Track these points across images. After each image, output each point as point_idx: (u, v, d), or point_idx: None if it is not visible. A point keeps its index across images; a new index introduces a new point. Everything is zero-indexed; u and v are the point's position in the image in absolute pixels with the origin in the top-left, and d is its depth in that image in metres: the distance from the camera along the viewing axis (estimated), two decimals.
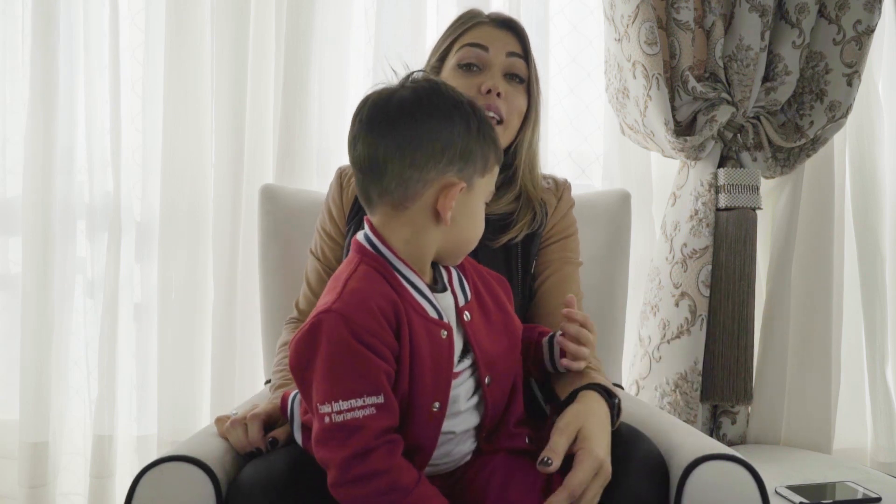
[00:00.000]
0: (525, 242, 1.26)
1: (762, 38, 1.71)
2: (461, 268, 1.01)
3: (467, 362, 0.96)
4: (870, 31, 1.72)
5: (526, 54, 1.25)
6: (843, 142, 1.89)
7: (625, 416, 1.16)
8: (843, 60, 1.73)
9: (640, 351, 1.83)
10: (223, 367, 1.83)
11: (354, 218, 1.30)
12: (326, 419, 0.86)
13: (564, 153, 1.98)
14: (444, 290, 0.96)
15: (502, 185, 1.28)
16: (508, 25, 1.26)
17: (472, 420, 0.98)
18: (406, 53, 1.84)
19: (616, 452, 0.99)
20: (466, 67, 1.22)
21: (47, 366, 1.82)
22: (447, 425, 0.94)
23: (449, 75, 1.24)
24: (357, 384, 0.85)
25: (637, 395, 1.81)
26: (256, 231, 1.59)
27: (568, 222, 1.32)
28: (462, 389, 0.95)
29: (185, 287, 1.85)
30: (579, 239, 1.34)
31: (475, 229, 0.96)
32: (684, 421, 1.50)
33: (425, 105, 0.90)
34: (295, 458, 1.00)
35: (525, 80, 1.25)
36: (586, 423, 0.95)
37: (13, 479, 1.85)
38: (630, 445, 1.01)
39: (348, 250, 1.24)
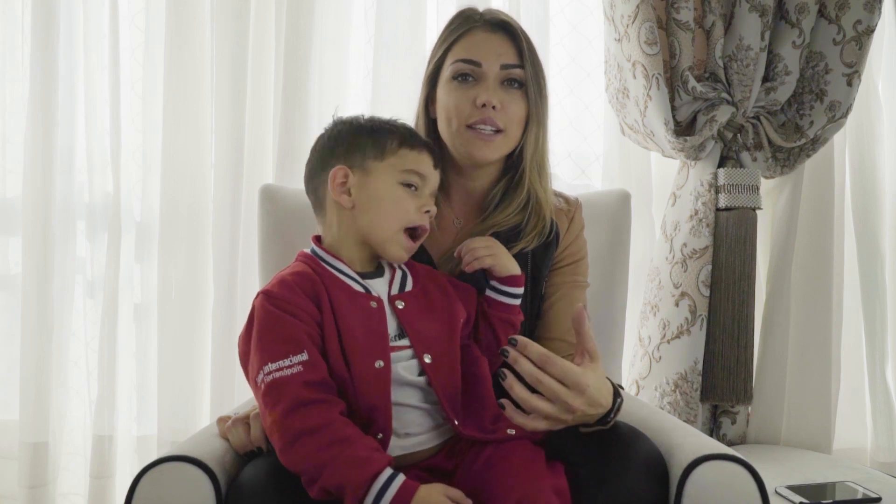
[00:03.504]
0: (535, 255, 1.24)
1: (762, 38, 1.71)
2: (412, 271, 1.12)
3: (405, 342, 1.03)
4: (870, 31, 1.72)
5: (522, 60, 1.21)
6: (843, 142, 1.89)
7: (625, 416, 1.16)
8: (843, 60, 1.73)
9: (640, 351, 1.83)
10: (223, 367, 1.83)
11: None
12: (262, 385, 0.96)
13: (564, 153, 1.98)
14: (379, 276, 1.08)
15: (509, 189, 1.26)
16: (503, 28, 1.22)
17: (427, 396, 1.03)
18: (406, 53, 1.84)
19: (616, 452, 0.99)
20: (462, 78, 1.20)
21: (47, 366, 1.82)
22: (400, 395, 1.00)
23: (445, 89, 1.22)
24: (283, 347, 0.96)
25: (637, 395, 1.81)
26: (256, 231, 1.59)
27: (579, 245, 1.31)
28: (409, 365, 1.02)
29: (185, 287, 1.85)
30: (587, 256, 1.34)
31: (384, 212, 1.06)
32: (684, 421, 1.49)
33: (323, 133, 1.13)
34: None
35: (523, 84, 1.21)
36: (590, 374, 0.97)
37: (13, 479, 1.85)
38: (630, 445, 1.01)
39: None
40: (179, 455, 1.00)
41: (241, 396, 1.74)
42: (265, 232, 1.55)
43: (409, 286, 1.09)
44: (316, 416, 0.93)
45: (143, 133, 1.88)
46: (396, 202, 1.05)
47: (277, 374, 0.95)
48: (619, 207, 1.59)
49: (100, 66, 1.86)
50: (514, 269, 1.15)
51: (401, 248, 1.06)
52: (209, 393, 1.86)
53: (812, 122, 1.75)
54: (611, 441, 1.01)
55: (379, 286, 1.06)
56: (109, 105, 1.84)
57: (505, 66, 1.20)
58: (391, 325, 1.04)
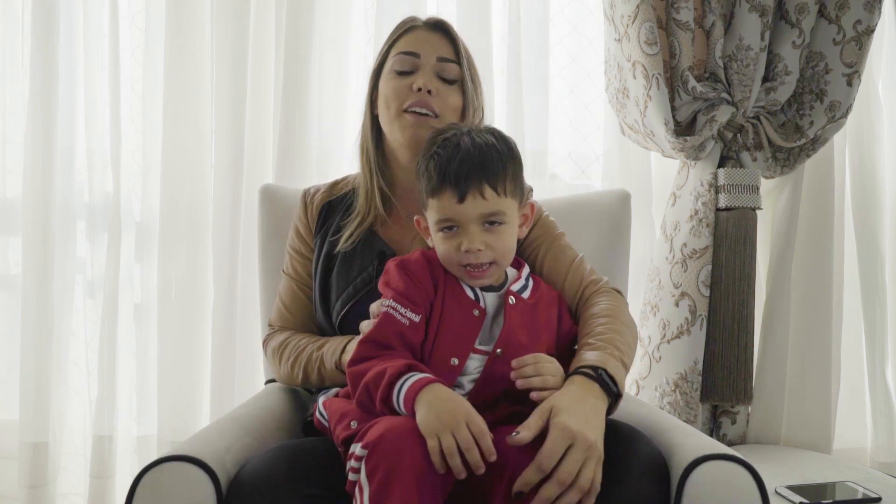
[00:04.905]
0: None
1: (762, 38, 1.71)
2: (537, 286, 1.16)
3: (489, 347, 1.07)
4: (870, 31, 1.72)
5: (458, 57, 1.29)
6: (843, 142, 1.89)
7: (624, 416, 1.16)
8: (843, 60, 1.73)
9: (640, 351, 1.83)
10: (223, 367, 1.83)
11: (320, 231, 1.35)
12: (382, 308, 1.07)
13: (564, 153, 1.98)
14: (497, 290, 1.12)
15: None
16: (440, 28, 1.31)
17: (470, 384, 1.07)
18: None
19: (616, 452, 0.99)
20: (401, 73, 1.28)
21: (47, 366, 1.82)
22: (460, 378, 1.06)
23: (385, 80, 1.29)
24: (408, 301, 1.06)
25: (637, 395, 1.81)
26: (256, 231, 1.59)
27: (543, 229, 1.30)
28: (478, 363, 1.08)
29: (185, 287, 1.85)
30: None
31: (440, 256, 1.11)
32: (684, 421, 1.49)
33: None
34: (294, 459, 1.01)
35: (458, 80, 1.29)
36: (559, 400, 0.97)
37: (13, 479, 1.85)
38: (630, 445, 1.01)
39: (317, 263, 1.31)
40: (179, 455, 1.00)
41: (242, 396, 1.74)
42: (265, 232, 1.56)
43: (526, 294, 1.13)
44: (384, 358, 1.02)
45: (143, 133, 1.88)
46: (441, 249, 1.10)
47: (392, 312, 1.05)
48: (619, 207, 1.59)
49: (100, 66, 1.86)
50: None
51: (470, 281, 1.10)
52: (209, 393, 1.86)
53: (812, 122, 1.75)
54: (611, 442, 1.01)
55: (490, 299, 1.10)
56: (109, 105, 1.84)
57: (441, 59, 1.28)
58: (487, 327, 1.09)
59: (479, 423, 0.93)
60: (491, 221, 1.07)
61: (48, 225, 1.82)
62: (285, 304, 1.37)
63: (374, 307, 1.13)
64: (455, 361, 1.05)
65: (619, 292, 1.24)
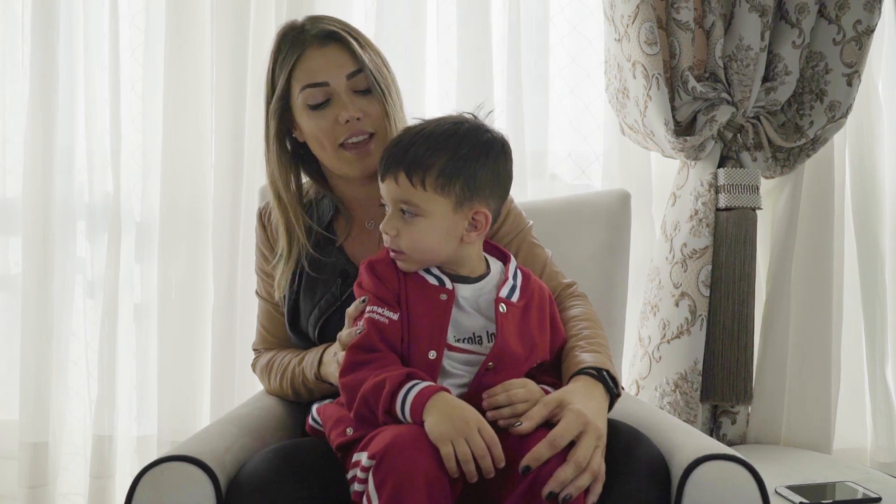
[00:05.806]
0: None
1: (762, 38, 1.71)
2: (526, 285, 1.11)
3: (479, 347, 1.05)
4: (870, 31, 1.72)
5: (358, 60, 1.20)
6: (843, 142, 1.89)
7: (625, 416, 1.16)
8: (843, 60, 1.73)
9: (640, 351, 1.83)
10: (223, 367, 1.83)
11: None
12: (366, 315, 1.05)
13: (564, 153, 1.98)
14: (472, 282, 1.08)
15: None
16: (332, 37, 1.21)
17: (461, 390, 1.04)
18: (406, 53, 1.84)
19: (617, 453, 0.99)
20: (317, 107, 1.20)
21: (47, 366, 1.82)
22: (442, 381, 1.03)
23: (303, 117, 1.21)
24: (381, 301, 1.05)
25: (637, 395, 1.81)
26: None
27: (512, 226, 1.28)
28: (464, 365, 1.05)
29: (185, 287, 1.85)
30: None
31: None
32: (684, 421, 1.50)
33: None
34: (294, 459, 1.01)
35: (369, 87, 1.20)
36: (568, 393, 1.00)
37: (13, 479, 1.85)
38: (630, 446, 1.01)
39: (288, 284, 1.28)
40: (179, 455, 1.00)
41: (242, 396, 1.74)
42: None
43: (515, 297, 1.09)
44: (374, 366, 1.00)
45: (143, 133, 1.88)
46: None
47: (371, 314, 1.04)
48: (619, 207, 1.59)
49: (100, 66, 1.87)
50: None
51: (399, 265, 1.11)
52: (209, 393, 1.86)
53: (812, 122, 1.75)
54: (612, 442, 1.01)
55: (465, 291, 1.07)
56: (109, 105, 1.84)
57: (350, 76, 1.20)
58: (477, 324, 1.06)
59: (490, 430, 0.94)
60: (403, 210, 1.05)
61: (48, 225, 1.82)
62: (266, 327, 1.36)
63: (351, 310, 1.10)
64: (433, 355, 1.02)
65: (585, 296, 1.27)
